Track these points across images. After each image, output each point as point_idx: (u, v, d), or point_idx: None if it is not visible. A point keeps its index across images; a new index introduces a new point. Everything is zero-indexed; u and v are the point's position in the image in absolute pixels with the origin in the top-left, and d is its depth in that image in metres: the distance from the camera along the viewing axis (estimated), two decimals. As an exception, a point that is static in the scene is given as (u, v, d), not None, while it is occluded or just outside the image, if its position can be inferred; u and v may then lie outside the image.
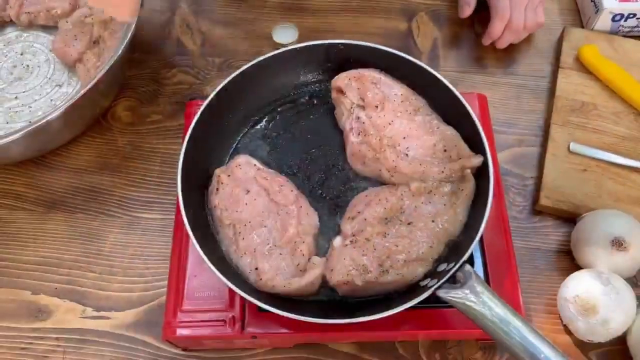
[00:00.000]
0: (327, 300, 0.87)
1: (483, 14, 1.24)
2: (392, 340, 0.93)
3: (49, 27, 1.23)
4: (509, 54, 1.24)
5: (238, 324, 0.86)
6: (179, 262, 0.91)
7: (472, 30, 1.27)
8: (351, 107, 0.95)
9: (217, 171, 0.93)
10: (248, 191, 0.90)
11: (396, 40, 1.26)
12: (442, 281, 0.77)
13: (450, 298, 0.76)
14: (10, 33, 1.25)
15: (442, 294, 0.76)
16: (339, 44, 0.98)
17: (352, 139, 0.94)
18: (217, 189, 0.91)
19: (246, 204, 0.89)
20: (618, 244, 0.91)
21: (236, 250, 0.86)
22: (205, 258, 0.81)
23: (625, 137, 1.09)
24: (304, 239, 0.87)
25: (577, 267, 0.96)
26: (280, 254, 0.85)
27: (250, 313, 0.87)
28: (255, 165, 0.93)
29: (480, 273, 0.89)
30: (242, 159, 0.94)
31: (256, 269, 0.84)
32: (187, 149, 0.89)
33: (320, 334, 0.88)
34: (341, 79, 0.97)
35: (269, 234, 0.87)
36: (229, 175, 0.91)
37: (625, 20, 1.20)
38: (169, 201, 1.06)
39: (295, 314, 0.77)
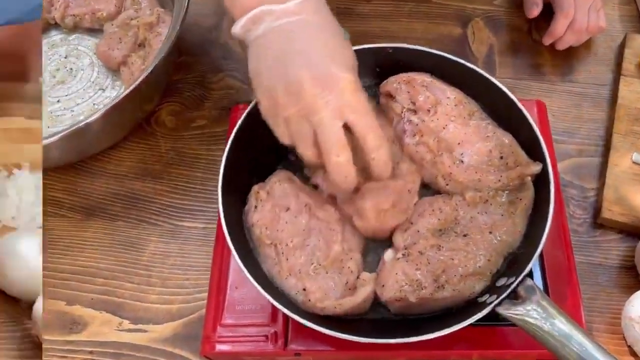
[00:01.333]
0: (379, 317, 0.83)
1: (542, 21, 1.20)
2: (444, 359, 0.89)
3: (94, 30, 1.22)
4: (567, 61, 1.19)
5: (281, 340, 0.83)
6: (220, 273, 0.89)
7: (529, 37, 1.23)
8: (402, 112, 0.91)
9: (255, 187, 0.88)
10: (288, 208, 0.85)
11: (450, 46, 1.22)
12: (502, 297, 0.73)
13: (512, 315, 0.71)
14: (55, 36, 1.23)
15: (502, 310, 0.72)
16: (388, 47, 0.95)
17: (408, 140, 0.89)
18: (256, 207, 0.86)
19: (287, 222, 0.84)
20: (687, 260, 0.86)
21: (280, 272, 0.82)
22: (246, 271, 0.77)
23: (692, 147, 1.04)
24: (351, 255, 0.83)
25: (642, 285, 0.91)
26: (327, 273, 0.81)
27: (294, 328, 0.83)
28: (296, 181, 0.89)
29: (540, 289, 0.85)
30: (283, 174, 0.90)
31: (304, 289, 0.80)
32: (229, 155, 0.87)
33: (369, 352, 0.83)
34: (390, 83, 0.93)
35: (312, 254, 0.82)
36: (268, 192, 0.87)
37: (691, 26, 1.16)
38: (212, 209, 1.03)
39: (346, 332, 0.74)
